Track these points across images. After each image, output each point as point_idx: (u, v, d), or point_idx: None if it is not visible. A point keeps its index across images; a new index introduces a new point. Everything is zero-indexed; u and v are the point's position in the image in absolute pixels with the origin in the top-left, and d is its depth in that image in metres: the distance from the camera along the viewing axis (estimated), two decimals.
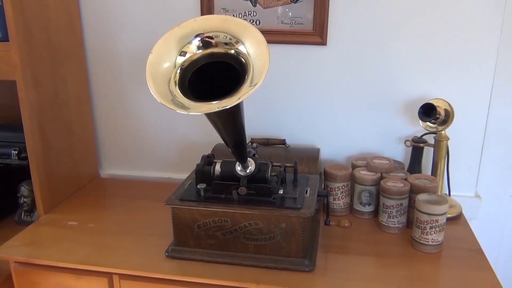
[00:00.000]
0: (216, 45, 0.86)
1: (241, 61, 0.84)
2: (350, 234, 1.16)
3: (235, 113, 0.87)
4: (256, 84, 0.78)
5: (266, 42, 0.82)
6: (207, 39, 0.86)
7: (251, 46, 0.83)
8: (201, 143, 1.47)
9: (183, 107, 0.80)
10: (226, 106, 0.77)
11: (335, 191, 1.25)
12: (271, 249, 1.00)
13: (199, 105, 0.81)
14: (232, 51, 0.85)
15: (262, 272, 0.98)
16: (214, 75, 0.88)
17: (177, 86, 0.84)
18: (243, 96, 0.78)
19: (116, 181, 1.54)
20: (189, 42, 0.86)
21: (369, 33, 1.29)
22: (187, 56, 0.86)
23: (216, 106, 0.79)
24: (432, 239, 1.06)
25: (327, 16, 1.27)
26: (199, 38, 0.86)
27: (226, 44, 0.86)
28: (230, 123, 0.90)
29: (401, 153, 1.38)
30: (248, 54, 0.83)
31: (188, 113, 0.80)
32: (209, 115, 0.87)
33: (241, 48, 0.84)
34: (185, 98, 0.82)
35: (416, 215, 1.08)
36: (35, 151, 1.20)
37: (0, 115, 1.46)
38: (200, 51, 0.86)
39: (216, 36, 0.86)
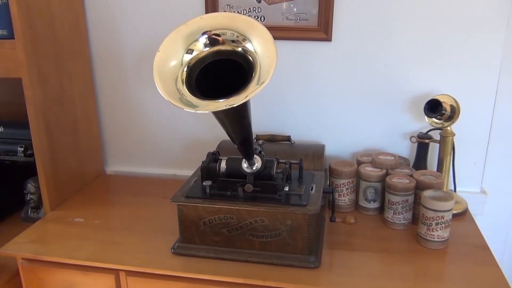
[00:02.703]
0: (223, 43, 0.86)
1: (248, 59, 0.83)
2: (355, 231, 1.16)
3: (242, 111, 0.87)
4: (263, 82, 0.78)
5: (273, 40, 0.82)
6: (214, 36, 0.86)
7: (258, 44, 0.83)
8: (206, 140, 1.47)
9: (190, 105, 0.80)
10: (234, 104, 0.77)
11: (340, 187, 1.25)
12: (276, 246, 1.00)
13: (207, 103, 0.81)
14: (239, 49, 0.85)
15: (268, 268, 0.99)
16: (221, 73, 0.88)
17: (184, 85, 0.83)
18: (251, 94, 0.78)
19: (122, 177, 1.54)
20: (196, 40, 0.86)
21: (374, 29, 1.28)
22: (194, 54, 0.86)
23: (223, 104, 0.79)
24: (438, 235, 1.06)
25: (332, 12, 1.27)
26: (206, 36, 0.86)
27: (233, 41, 0.85)
28: (237, 121, 0.90)
29: (406, 149, 1.38)
30: (255, 52, 0.83)
31: (196, 112, 0.79)
32: (216, 113, 0.87)
33: (248, 45, 0.84)
34: (193, 97, 0.82)
35: (422, 211, 1.08)
36: (41, 148, 1.21)
37: (6, 112, 1.46)
38: (207, 48, 0.86)
39: (223, 34, 0.85)
